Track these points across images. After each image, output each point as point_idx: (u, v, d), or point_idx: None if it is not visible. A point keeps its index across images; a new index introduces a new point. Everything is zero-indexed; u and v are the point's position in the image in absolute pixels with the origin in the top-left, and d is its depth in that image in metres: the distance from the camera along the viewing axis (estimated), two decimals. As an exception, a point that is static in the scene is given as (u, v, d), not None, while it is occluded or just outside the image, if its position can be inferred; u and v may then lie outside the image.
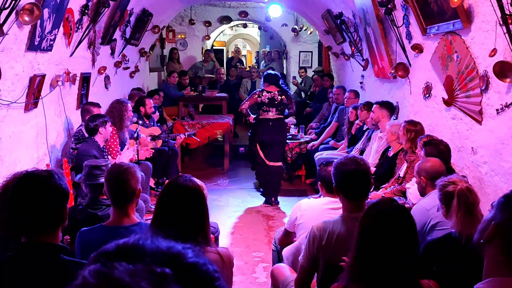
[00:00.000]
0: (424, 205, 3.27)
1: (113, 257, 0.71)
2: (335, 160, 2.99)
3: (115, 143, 5.30)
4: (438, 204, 3.12)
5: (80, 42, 5.08)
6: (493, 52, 3.31)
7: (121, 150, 5.41)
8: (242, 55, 16.45)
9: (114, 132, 5.29)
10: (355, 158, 2.86)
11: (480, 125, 3.74)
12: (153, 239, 0.75)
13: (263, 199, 6.93)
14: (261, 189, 7.23)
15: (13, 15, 3.34)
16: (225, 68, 13.55)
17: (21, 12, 3.44)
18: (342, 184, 2.79)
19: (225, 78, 11.50)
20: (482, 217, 2.36)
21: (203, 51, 12.77)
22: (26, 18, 3.49)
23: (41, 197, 1.86)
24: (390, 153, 5.04)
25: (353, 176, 2.74)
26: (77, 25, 4.88)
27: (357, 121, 6.54)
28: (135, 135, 5.99)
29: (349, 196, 2.75)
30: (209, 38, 13.15)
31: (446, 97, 4.32)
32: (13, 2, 3.23)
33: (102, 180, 3.42)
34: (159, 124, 7.52)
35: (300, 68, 11.86)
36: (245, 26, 14.21)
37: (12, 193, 1.86)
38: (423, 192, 3.46)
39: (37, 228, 1.88)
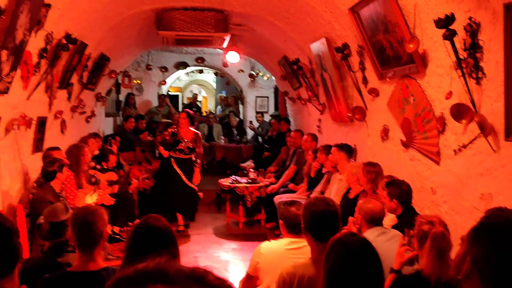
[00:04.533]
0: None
1: (137, 282, 0.67)
2: (298, 201, 2.99)
3: (72, 188, 5.14)
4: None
5: (37, 85, 4.98)
6: (449, 94, 3.46)
7: (78, 195, 5.25)
8: (198, 101, 16.51)
9: (71, 177, 5.14)
10: (324, 198, 2.85)
11: (439, 166, 3.84)
12: (170, 263, 0.72)
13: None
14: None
15: (-29, 56, 3.25)
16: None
17: (-20, 53, 3.36)
18: (311, 224, 2.77)
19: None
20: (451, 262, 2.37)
21: (159, 96, 12.77)
22: (-15, 60, 3.41)
23: None
24: (351, 195, 5.08)
25: (323, 216, 2.73)
26: (34, 68, 4.79)
27: (313, 163, 6.61)
28: (93, 179, 5.84)
29: (318, 237, 2.71)
30: (165, 83, 13.19)
31: (404, 139, 4.45)
32: (-28, 43, 3.16)
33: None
34: (116, 169, 7.36)
35: (257, 113, 12.03)
36: (201, 72, 14.34)
37: None
38: (359, 231, 3.45)
39: None
